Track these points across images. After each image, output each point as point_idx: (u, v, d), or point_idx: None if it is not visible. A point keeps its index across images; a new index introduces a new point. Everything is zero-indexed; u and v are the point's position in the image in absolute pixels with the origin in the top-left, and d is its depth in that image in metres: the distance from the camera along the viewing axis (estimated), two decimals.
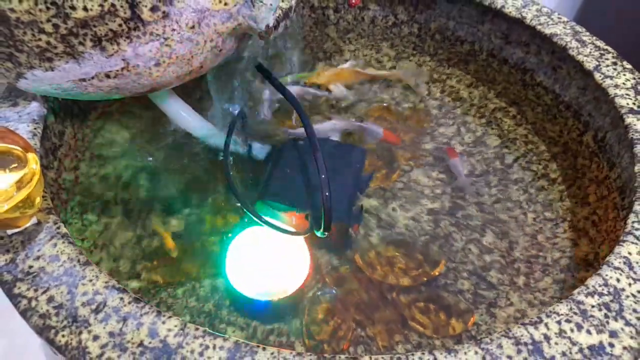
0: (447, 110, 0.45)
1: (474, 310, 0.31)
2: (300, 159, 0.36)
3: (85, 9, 0.23)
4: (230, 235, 0.34)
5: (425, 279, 0.33)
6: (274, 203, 0.34)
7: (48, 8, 0.23)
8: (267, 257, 0.32)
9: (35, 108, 0.31)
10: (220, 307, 0.31)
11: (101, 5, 0.24)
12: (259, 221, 0.31)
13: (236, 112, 0.38)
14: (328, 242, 0.34)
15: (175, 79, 0.30)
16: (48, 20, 0.23)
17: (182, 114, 0.37)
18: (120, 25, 0.24)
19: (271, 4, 0.28)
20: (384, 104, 0.44)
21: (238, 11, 0.28)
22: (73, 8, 0.23)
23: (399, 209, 0.37)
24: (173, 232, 0.35)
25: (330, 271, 0.33)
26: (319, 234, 0.31)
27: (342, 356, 0.20)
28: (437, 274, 0.33)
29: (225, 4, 0.27)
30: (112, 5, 0.24)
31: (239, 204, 0.34)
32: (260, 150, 0.39)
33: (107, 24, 0.24)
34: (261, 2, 0.28)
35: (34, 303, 0.21)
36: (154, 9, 0.25)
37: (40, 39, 0.24)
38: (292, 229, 0.32)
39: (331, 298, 0.32)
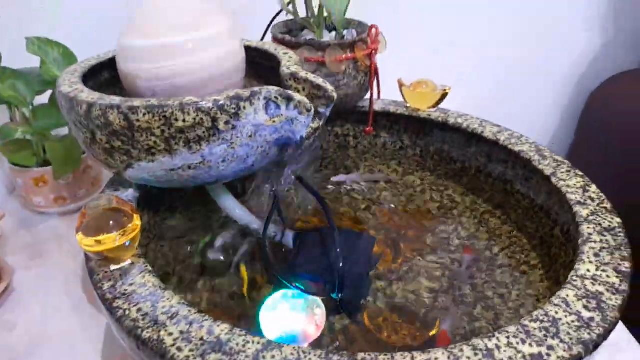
0: (445, 211, 0.54)
1: None
2: (321, 242, 0.46)
3: (184, 120, 0.35)
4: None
5: (423, 340, 0.40)
6: (299, 273, 0.43)
7: (160, 119, 0.35)
8: (293, 313, 0.40)
9: (131, 193, 0.42)
10: None
11: (194, 119, 0.36)
12: (288, 285, 0.40)
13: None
14: (343, 307, 0.42)
15: (234, 173, 0.41)
16: (159, 127, 0.36)
17: (233, 207, 0.48)
18: (204, 132, 0.36)
19: (305, 122, 0.40)
20: (392, 206, 0.55)
21: (282, 127, 0.40)
22: (176, 120, 0.35)
23: (403, 286, 0.45)
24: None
25: (342, 330, 0.40)
26: (333, 295, 0.39)
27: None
28: (433, 334, 0.40)
29: (274, 121, 0.39)
30: (201, 119, 0.36)
31: (272, 274, 0.43)
32: (289, 237, 0.49)
33: (195, 131, 0.36)
34: (298, 120, 0.40)
35: (127, 312, 0.30)
36: (227, 122, 0.37)
37: (150, 140, 0.36)
38: (313, 291, 0.41)
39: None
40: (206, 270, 0.46)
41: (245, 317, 0.41)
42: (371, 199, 0.57)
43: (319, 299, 0.41)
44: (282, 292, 0.41)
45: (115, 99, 0.36)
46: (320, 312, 0.40)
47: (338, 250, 0.41)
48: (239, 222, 0.47)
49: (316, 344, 0.38)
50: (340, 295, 0.40)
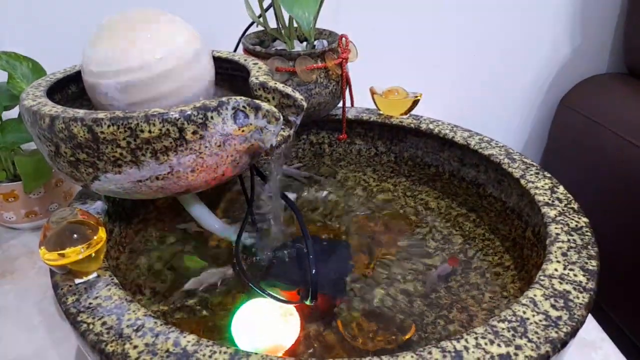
0: (420, 217, 0.54)
1: None
2: (296, 251, 0.46)
3: (149, 131, 0.35)
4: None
5: (397, 344, 0.39)
6: (274, 282, 0.42)
7: (125, 131, 0.35)
8: (267, 322, 0.39)
9: (99, 205, 0.42)
10: None
11: (160, 130, 0.35)
12: (261, 293, 0.40)
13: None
14: (316, 314, 0.41)
15: (204, 183, 0.41)
16: (124, 139, 0.35)
17: (204, 216, 0.47)
18: (171, 143, 0.36)
19: (274, 131, 0.40)
20: (367, 212, 0.55)
21: (252, 136, 0.40)
22: (142, 131, 0.35)
23: (378, 291, 0.45)
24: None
25: (317, 337, 0.40)
26: (307, 302, 0.39)
27: None
28: (408, 338, 0.40)
29: (243, 131, 0.39)
30: (167, 130, 0.36)
31: (246, 282, 0.43)
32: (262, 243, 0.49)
33: (162, 142, 0.36)
34: (267, 129, 0.40)
35: (91, 326, 0.29)
36: (194, 132, 0.36)
37: (116, 152, 0.36)
38: (287, 299, 0.40)
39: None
40: (180, 282, 0.46)
41: (218, 328, 0.41)
42: (346, 205, 0.57)
43: (293, 307, 0.40)
44: (255, 300, 0.41)
45: (79, 112, 0.35)
46: (295, 320, 0.40)
47: (311, 257, 0.40)
48: (211, 231, 0.47)
49: (291, 353, 0.38)
50: (314, 302, 0.39)
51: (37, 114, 0.37)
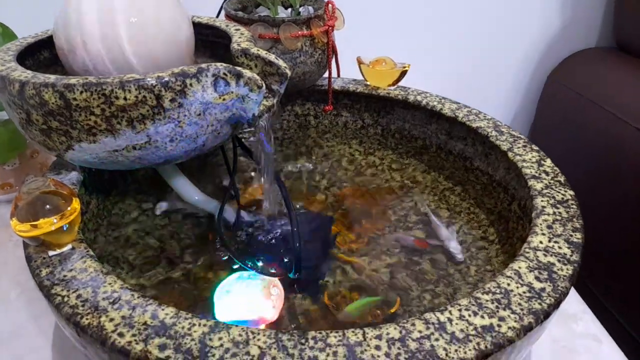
0: (406, 190, 0.54)
1: None
2: (280, 225, 0.45)
3: (125, 98, 0.34)
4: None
5: (383, 318, 0.39)
6: (257, 255, 0.42)
7: (99, 97, 0.33)
8: (249, 295, 0.39)
9: (74, 176, 0.40)
10: None
11: (136, 97, 0.34)
12: (244, 266, 0.39)
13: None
14: (302, 287, 0.41)
15: (184, 153, 0.39)
16: (98, 106, 0.34)
17: (185, 188, 0.46)
18: (148, 110, 0.34)
19: (256, 99, 0.38)
20: (355, 186, 0.54)
21: (233, 104, 0.38)
22: (116, 98, 0.33)
23: (363, 265, 0.44)
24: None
25: (301, 310, 0.40)
26: (290, 275, 0.38)
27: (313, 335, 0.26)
28: (393, 311, 0.39)
29: (224, 99, 0.38)
30: (144, 97, 0.34)
31: (229, 255, 0.42)
32: (247, 217, 0.48)
33: (139, 109, 0.34)
34: (249, 98, 0.38)
35: (66, 299, 0.28)
36: (172, 100, 0.35)
37: (90, 119, 0.34)
38: (270, 272, 0.40)
39: None
40: (161, 255, 0.45)
41: (200, 302, 0.40)
42: (332, 178, 0.56)
43: (276, 280, 0.40)
44: (237, 274, 0.40)
45: (50, 77, 0.34)
46: (278, 293, 0.39)
47: (295, 230, 0.40)
48: (192, 203, 0.46)
49: (274, 326, 0.38)
50: (297, 276, 0.39)
51: (6, 79, 0.35)
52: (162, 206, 0.49)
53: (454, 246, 0.45)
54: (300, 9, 0.55)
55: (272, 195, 0.46)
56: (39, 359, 0.39)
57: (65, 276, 0.30)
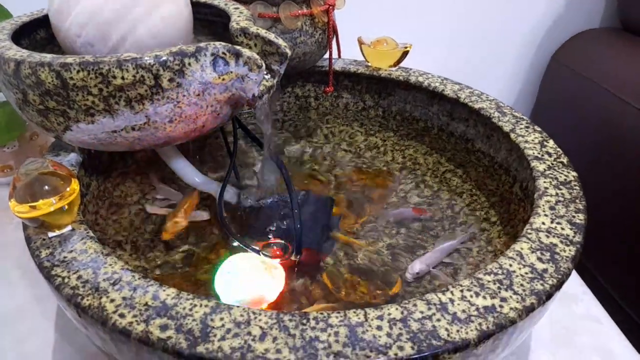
0: (408, 172, 0.54)
1: None
2: (281, 207, 0.45)
3: (122, 78, 0.33)
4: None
5: (383, 298, 0.39)
6: (258, 237, 0.41)
7: (96, 77, 0.33)
8: (250, 276, 0.39)
9: (73, 157, 0.40)
10: None
11: (134, 76, 0.33)
12: (245, 247, 0.39)
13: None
14: (303, 269, 0.41)
15: (183, 134, 0.39)
16: (95, 86, 0.33)
17: (186, 170, 0.46)
18: (146, 90, 0.34)
19: (256, 79, 0.38)
20: (356, 167, 0.54)
21: (232, 84, 0.38)
22: (114, 77, 0.33)
23: (365, 246, 0.44)
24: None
25: (303, 291, 0.40)
26: (291, 256, 0.38)
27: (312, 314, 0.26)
28: (394, 292, 0.39)
29: (223, 79, 0.37)
30: (142, 76, 0.33)
31: (230, 237, 0.42)
32: (247, 199, 0.47)
33: (137, 89, 0.34)
34: (249, 78, 0.38)
35: (66, 280, 0.28)
36: (171, 80, 0.34)
37: (87, 99, 0.34)
38: (271, 253, 0.40)
39: None
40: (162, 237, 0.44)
41: (202, 283, 0.40)
42: (333, 160, 0.56)
43: (277, 261, 0.40)
44: (239, 255, 0.40)
45: (47, 56, 0.33)
46: (279, 274, 0.39)
47: (296, 211, 0.39)
48: (193, 185, 0.46)
49: (275, 306, 0.38)
50: (298, 257, 0.39)
51: (1, 59, 0.34)
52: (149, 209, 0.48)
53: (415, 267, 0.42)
54: None
55: (272, 176, 0.46)
56: (42, 341, 0.40)
57: (65, 257, 0.30)
